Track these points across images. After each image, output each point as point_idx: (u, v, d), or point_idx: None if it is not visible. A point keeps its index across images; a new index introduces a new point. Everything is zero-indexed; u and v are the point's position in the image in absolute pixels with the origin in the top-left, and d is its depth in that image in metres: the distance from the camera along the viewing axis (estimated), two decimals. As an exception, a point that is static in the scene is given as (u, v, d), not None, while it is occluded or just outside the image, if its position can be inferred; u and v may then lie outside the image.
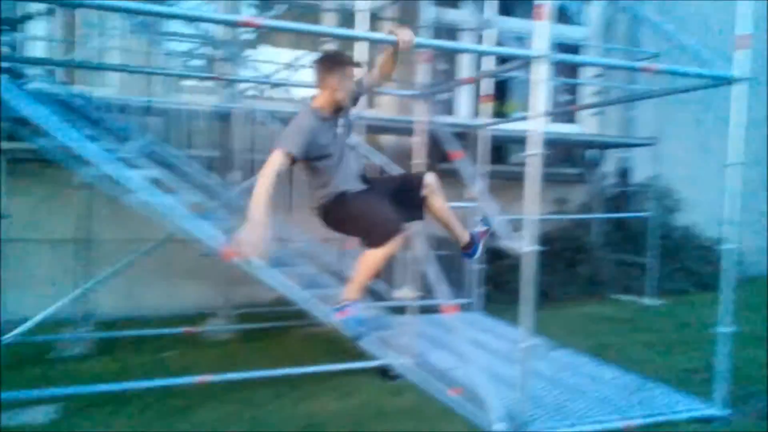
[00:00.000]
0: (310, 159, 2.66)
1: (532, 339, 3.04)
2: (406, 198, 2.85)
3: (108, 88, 5.18)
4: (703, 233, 7.77)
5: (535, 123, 2.67)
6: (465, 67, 6.66)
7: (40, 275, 5.21)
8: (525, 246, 2.80)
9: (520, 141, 7.15)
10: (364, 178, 2.91)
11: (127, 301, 5.65)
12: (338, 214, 2.77)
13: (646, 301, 6.55)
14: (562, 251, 6.98)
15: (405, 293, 3.98)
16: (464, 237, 3.16)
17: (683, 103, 7.29)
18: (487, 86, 5.45)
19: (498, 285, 6.64)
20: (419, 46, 2.68)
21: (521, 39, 6.66)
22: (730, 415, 3.50)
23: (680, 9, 7.19)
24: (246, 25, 2.61)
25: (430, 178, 2.86)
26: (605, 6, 6.58)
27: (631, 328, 5.60)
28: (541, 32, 2.63)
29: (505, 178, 7.27)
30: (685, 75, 3.26)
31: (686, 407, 3.57)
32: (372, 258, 2.64)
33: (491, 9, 5.29)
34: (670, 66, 3.11)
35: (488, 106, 5.45)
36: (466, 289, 5.67)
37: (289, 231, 4.49)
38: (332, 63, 2.70)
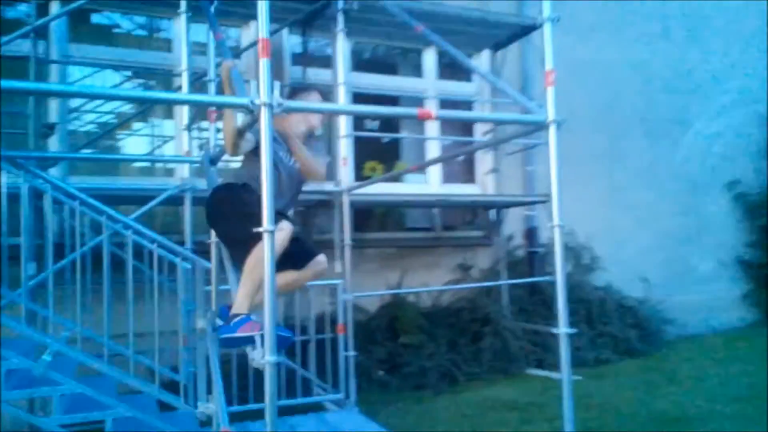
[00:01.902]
0: None
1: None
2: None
3: None
4: (624, 292, 7.17)
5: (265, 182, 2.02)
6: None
7: None
8: (262, 356, 2.07)
9: (418, 205, 6.67)
10: None
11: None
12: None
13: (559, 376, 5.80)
14: (466, 324, 6.28)
15: (209, 407, 3.20)
16: (241, 308, 2.64)
17: (585, 158, 6.90)
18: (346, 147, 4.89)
19: (394, 368, 5.85)
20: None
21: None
22: None
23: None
24: None
25: (322, 258, 3.05)
26: (490, 61, 6.23)
27: (531, 414, 4.81)
28: (263, 74, 2.04)
29: (399, 246, 6.67)
30: (497, 121, 2.70)
31: None
32: (259, 269, 2.41)
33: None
34: (458, 112, 2.55)
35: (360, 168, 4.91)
36: (340, 380, 4.84)
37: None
38: None
